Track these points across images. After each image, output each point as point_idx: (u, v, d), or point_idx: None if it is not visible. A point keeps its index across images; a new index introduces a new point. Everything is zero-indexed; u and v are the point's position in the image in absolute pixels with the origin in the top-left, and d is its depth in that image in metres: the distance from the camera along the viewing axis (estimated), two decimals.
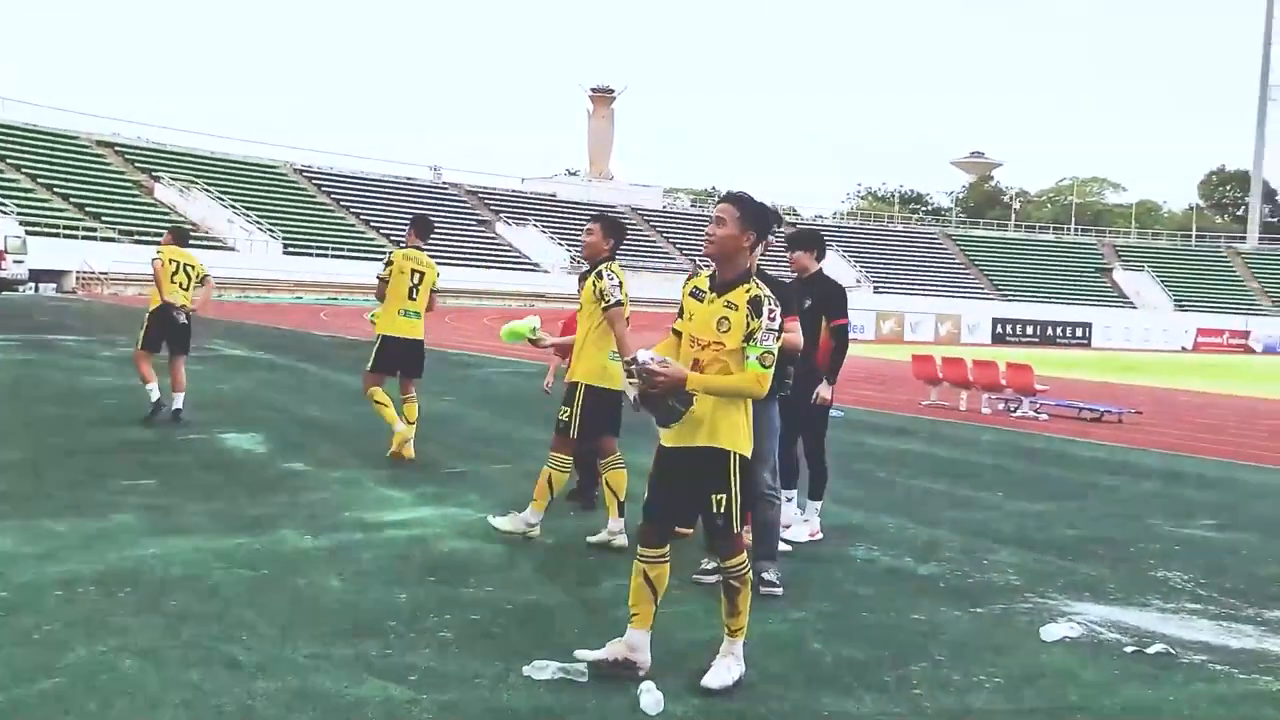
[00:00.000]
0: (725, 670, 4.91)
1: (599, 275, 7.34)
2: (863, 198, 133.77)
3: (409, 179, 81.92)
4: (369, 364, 10.39)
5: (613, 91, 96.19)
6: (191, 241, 11.79)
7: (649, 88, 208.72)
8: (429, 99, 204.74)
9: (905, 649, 5.60)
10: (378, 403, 10.25)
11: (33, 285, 45.85)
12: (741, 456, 4.88)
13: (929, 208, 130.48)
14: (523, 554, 7.15)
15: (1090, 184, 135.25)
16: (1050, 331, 54.44)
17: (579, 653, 5.01)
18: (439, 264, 11.14)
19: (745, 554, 4.97)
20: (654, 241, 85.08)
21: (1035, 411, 17.70)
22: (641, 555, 5.00)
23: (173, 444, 10.64)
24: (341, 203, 72.43)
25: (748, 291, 4.76)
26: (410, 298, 10.36)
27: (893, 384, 22.99)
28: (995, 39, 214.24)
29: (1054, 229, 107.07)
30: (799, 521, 8.01)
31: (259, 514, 7.85)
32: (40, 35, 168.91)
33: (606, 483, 7.62)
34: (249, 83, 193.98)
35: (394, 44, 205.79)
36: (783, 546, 7.50)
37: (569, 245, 76.68)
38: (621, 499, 7.49)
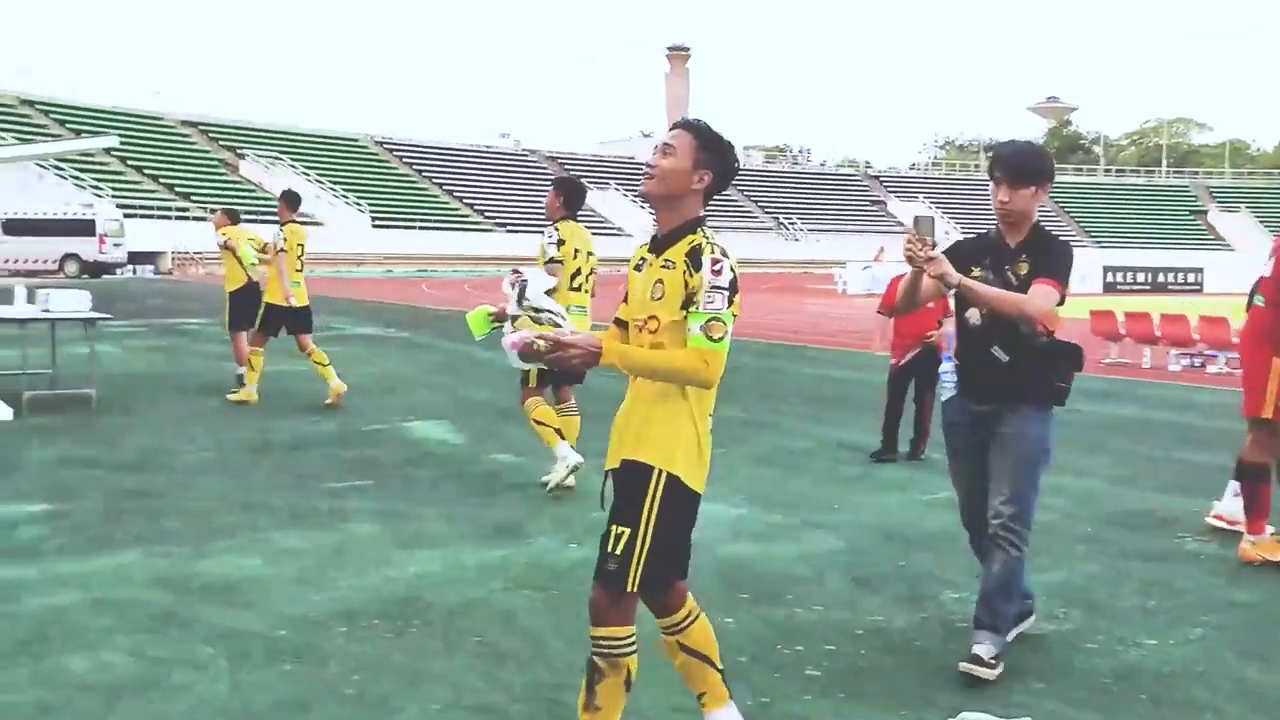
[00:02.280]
0: None
1: (544, 235, 7.72)
2: (941, 148, 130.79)
3: (488, 147, 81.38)
4: (256, 327, 11.76)
5: (688, 50, 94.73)
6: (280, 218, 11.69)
7: (721, 45, 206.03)
8: (498, 69, 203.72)
9: None
10: (251, 368, 11.69)
11: (131, 268, 45.79)
12: (672, 479, 3.46)
13: None
14: (823, 558, 6.25)
15: (1175, 124, 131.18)
16: (1162, 278, 52.44)
17: None
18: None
19: (628, 631, 3.47)
20: (734, 200, 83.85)
21: (1230, 367, 16.47)
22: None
23: (361, 436, 9.90)
24: (424, 174, 71.96)
25: (690, 243, 3.47)
26: (298, 269, 11.57)
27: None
28: None
29: (1144, 172, 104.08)
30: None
31: (501, 518, 7.04)
32: (114, 20, 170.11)
33: (542, 422, 7.76)
34: (321, 61, 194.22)
35: (461, 15, 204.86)
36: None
37: (649, 207, 75.44)
38: (557, 426, 7.77)
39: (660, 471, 3.46)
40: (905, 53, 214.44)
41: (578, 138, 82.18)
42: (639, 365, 3.47)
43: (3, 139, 51.58)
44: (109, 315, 12.06)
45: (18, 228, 42.92)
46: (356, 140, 73.98)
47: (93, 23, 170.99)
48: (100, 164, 54.80)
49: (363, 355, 16.38)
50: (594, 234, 8.24)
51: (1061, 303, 4.52)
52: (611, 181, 77.34)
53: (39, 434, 9.71)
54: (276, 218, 11.79)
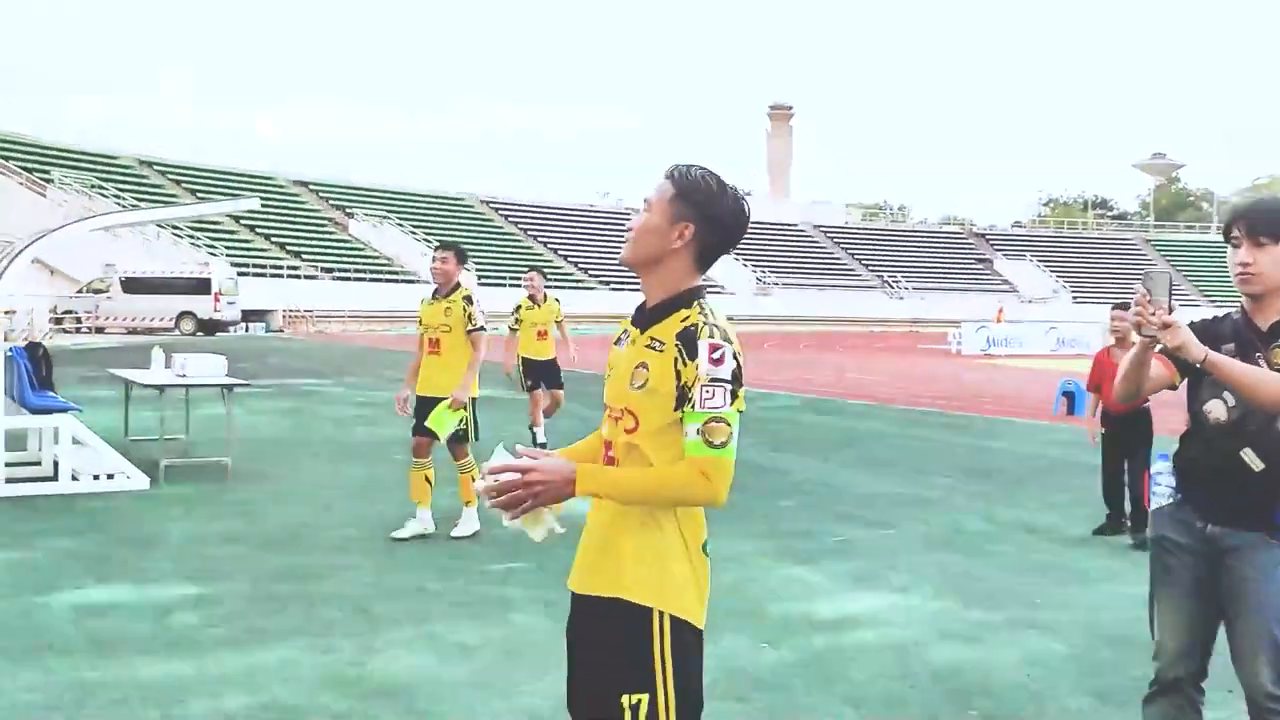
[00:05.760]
0: None
1: (469, 300, 8.17)
2: (1046, 204, 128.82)
3: (590, 206, 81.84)
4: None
5: (791, 109, 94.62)
6: (389, 277, 11.42)
7: (821, 103, 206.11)
8: (600, 127, 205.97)
9: None
10: None
11: (244, 325, 46.42)
12: (676, 621, 2.71)
13: (1114, 213, 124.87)
14: (1050, 666, 5.61)
15: None
16: None
17: None
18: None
19: None
20: (839, 259, 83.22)
21: None
22: None
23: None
24: (529, 233, 72.49)
25: (683, 320, 2.73)
26: None
27: None
28: (1158, 31, 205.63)
29: None
30: None
31: None
32: (228, 84, 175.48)
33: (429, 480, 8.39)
34: (427, 123, 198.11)
35: (562, 75, 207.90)
36: None
37: (754, 266, 75.31)
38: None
39: (659, 613, 2.70)
40: (1003, 109, 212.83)
41: None
42: (627, 493, 2.71)
43: (121, 198, 52.94)
44: (245, 382, 11.79)
45: (135, 286, 43.73)
46: (462, 200, 74.82)
47: (209, 86, 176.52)
48: (214, 224, 55.89)
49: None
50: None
51: None
52: None
53: (177, 504, 9.42)
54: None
